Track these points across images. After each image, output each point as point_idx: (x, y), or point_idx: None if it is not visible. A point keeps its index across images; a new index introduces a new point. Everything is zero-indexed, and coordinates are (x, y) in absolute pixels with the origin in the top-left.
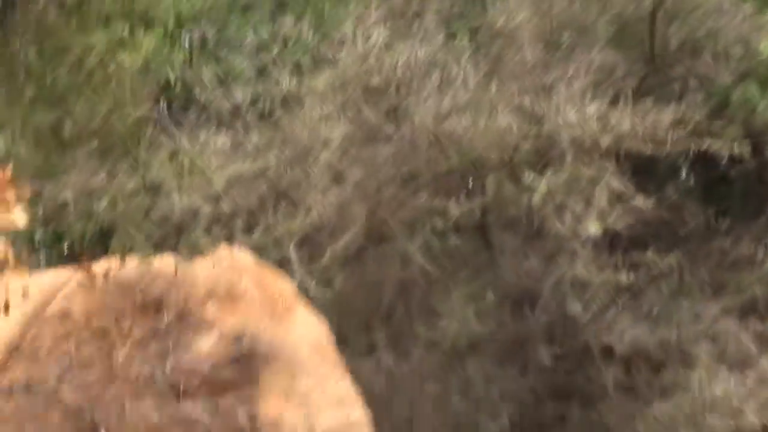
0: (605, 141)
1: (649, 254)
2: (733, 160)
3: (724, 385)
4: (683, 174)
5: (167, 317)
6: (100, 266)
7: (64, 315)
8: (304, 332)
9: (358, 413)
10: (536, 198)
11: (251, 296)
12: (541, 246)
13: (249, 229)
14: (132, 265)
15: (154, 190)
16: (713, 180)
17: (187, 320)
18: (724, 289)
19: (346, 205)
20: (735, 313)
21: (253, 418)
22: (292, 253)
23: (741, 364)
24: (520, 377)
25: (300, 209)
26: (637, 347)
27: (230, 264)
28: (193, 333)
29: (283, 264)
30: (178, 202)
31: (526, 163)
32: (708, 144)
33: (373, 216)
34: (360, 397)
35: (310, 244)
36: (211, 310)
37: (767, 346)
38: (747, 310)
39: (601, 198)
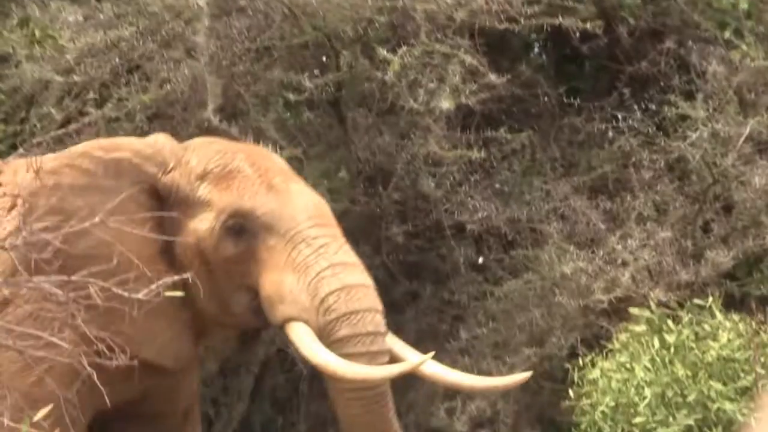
0: (459, 16)
1: (502, 131)
2: (586, 37)
3: (573, 263)
4: (536, 51)
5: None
6: None
7: None
8: (301, 204)
9: (359, 277)
10: (390, 74)
11: (245, 174)
12: (394, 122)
13: (101, 101)
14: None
15: (3, 59)
16: (565, 57)
17: (185, 201)
18: (574, 167)
19: (200, 78)
20: (585, 192)
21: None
22: (144, 125)
23: (590, 242)
24: (374, 254)
25: (153, 82)
26: (489, 225)
27: (221, 147)
28: (189, 212)
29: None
30: (28, 72)
31: (381, 38)
32: (561, 20)
33: (226, 90)
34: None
35: (163, 117)
36: (205, 189)
37: (616, 224)
38: (597, 189)
39: (454, 74)
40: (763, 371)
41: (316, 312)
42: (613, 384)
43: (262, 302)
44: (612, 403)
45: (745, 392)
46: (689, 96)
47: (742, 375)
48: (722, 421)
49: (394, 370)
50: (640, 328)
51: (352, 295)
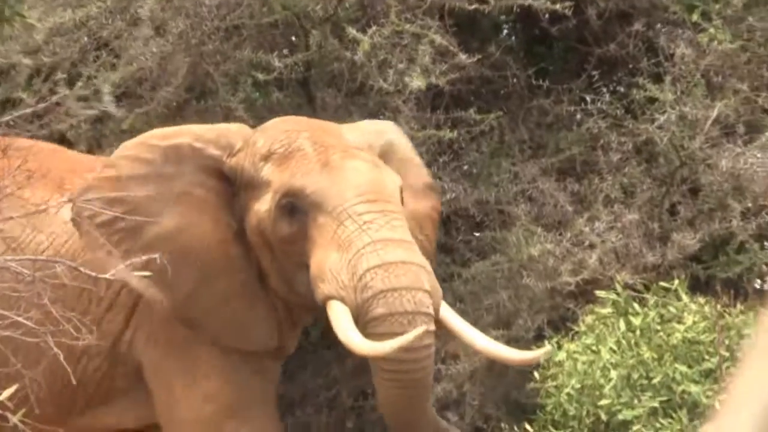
0: None
1: (471, 112)
2: (555, 18)
3: (540, 245)
4: (505, 32)
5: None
6: None
7: None
8: (352, 181)
9: (401, 254)
10: (360, 54)
11: (304, 152)
12: (363, 102)
13: (70, 81)
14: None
15: None
16: (535, 39)
17: (250, 183)
18: (543, 149)
19: (169, 57)
20: (553, 174)
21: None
22: (110, 105)
23: (557, 224)
24: None
25: (121, 61)
26: (457, 207)
27: (289, 126)
28: (254, 194)
29: (105, 117)
30: None
31: (350, 18)
32: (530, 2)
33: (195, 69)
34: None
35: (132, 96)
36: (268, 170)
37: (583, 206)
38: (565, 171)
39: (424, 55)
40: (727, 354)
41: (354, 290)
42: (579, 366)
43: (311, 282)
44: (578, 385)
45: (710, 375)
46: (657, 79)
47: (706, 357)
48: (687, 404)
49: (395, 344)
50: (606, 310)
51: (391, 272)
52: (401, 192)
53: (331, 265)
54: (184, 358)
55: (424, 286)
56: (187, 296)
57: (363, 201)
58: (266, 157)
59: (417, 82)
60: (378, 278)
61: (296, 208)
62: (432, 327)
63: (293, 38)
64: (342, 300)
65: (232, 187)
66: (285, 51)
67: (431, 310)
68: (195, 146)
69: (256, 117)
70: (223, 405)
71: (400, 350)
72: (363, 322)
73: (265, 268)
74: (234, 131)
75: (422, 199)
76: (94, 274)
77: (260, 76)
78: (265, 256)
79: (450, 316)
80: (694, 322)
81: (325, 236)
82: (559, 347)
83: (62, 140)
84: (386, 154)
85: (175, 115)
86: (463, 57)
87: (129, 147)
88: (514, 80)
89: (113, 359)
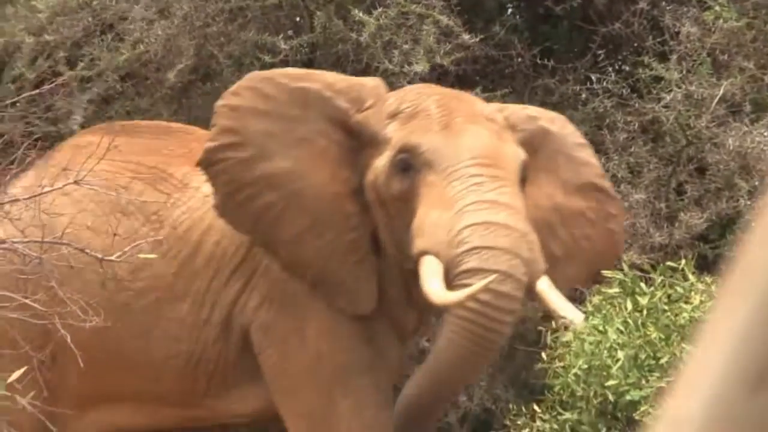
0: None
1: (476, 92)
2: None
3: None
4: (509, 11)
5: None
6: None
7: None
8: (469, 143)
9: (506, 217)
10: (365, 35)
11: (428, 113)
12: None
13: (73, 61)
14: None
15: None
16: (540, 18)
17: (374, 139)
18: None
19: (173, 39)
20: None
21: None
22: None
23: None
24: None
25: (126, 42)
26: None
27: (423, 90)
28: (376, 151)
29: (110, 98)
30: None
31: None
32: None
33: (200, 51)
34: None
35: (136, 77)
36: (392, 128)
37: None
38: None
39: (429, 35)
40: None
41: (449, 245)
42: (586, 347)
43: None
44: (585, 366)
45: None
46: (663, 57)
47: None
48: None
49: (471, 290)
50: (613, 290)
51: (491, 231)
52: (524, 168)
53: (431, 221)
54: (295, 318)
55: (522, 252)
56: (291, 240)
57: (475, 164)
58: (393, 116)
59: (420, 66)
60: (476, 235)
61: (410, 165)
62: (519, 294)
63: (298, 19)
64: (436, 255)
65: (356, 142)
66: (290, 32)
67: (524, 278)
68: (324, 94)
69: None
70: (336, 366)
71: (478, 302)
72: (453, 275)
73: (380, 229)
74: (368, 87)
75: (575, 196)
76: (99, 256)
77: (266, 59)
78: (380, 215)
79: (548, 290)
80: (702, 302)
81: (432, 194)
82: (566, 328)
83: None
84: (536, 142)
85: (180, 96)
86: (467, 37)
87: (255, 79)
88: (519, 60)
89: (227, 329)
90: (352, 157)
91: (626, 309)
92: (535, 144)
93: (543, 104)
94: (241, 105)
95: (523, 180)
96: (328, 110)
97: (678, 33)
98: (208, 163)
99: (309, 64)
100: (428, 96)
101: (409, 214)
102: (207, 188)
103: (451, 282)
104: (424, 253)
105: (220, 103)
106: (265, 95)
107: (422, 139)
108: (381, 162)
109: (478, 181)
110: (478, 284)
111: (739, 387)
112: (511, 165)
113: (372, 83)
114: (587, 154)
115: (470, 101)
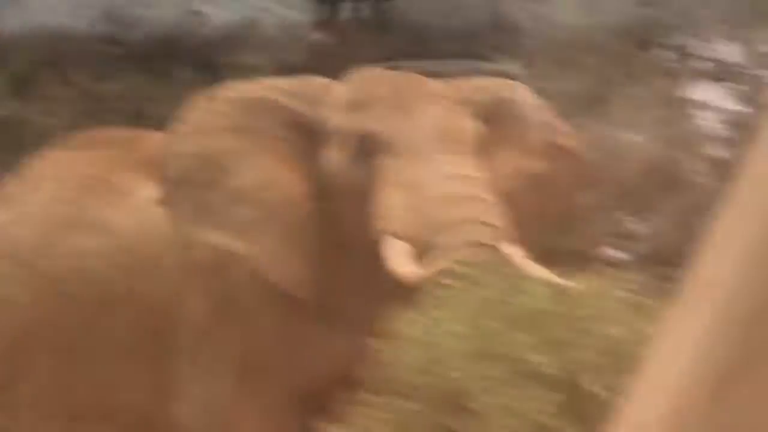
0: None
1: None
2: None
3: None
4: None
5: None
6: None
7: None
8: (424, 123)
9: (465, 188)
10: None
11: (379, 98)
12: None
13: None
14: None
15: None
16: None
17: (331, 133)
18: None
19: None
20: None
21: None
22: None
23: None
24: None
25: None
26: None
27: (367, 77)
28: (334, 144)
29: None
30: None
31: None
32: None
33: None
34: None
35: None
36: (346, 119)
37: None
38: None
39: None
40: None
41: (414, 225)
42: (422, 336)
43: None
44: (423, 356)
45: (555, 344)
46: None
47: (551, 327)
48: (533, 374)
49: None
50: (457, 281)
51: (452, 204)
52: (481, 140)
53: (394, 204)
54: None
55: (488, 219)
56: (271, 252)
57: (431, 141)
58: (345, 106)
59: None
60: (438, 210)
61: (368, 151)
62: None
63: None
64: (403, 236)
65: (315, 140)
66: None
67: (491, 244)
68: (276, 99)
69: None
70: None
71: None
72: (422, 253)
73: (347, 221)
74: (317, 83)
75: (537, 159)
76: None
77: None
78: (346, 207)
79: (515, 256)
80: (538, 293)
81: (392, 178)
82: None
83: None
84: (493, 111)
85: None
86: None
87: (203, 100)
88: (367, 53)
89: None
90: (314, 155)
91: (467, 299)
92: (489, 114)
93: None
94: (199, 127)
95: (483, 151)
96: (282, 115)
97: None
98: (173, 188)
99: None
100: (378, 82)
101: (371, 201)
102: (151, 194)
103: (420, 261)
104: (391, 235)
105: (175, 131)
106: (219, 113)
107: (377, 124)
108: (339, 153)
109: (437, 158)
110: (450, 259)
111: (701, 391)
112: (466, 138)
113: (318, 80)
114: (547, 115)
115: (420, 81)
